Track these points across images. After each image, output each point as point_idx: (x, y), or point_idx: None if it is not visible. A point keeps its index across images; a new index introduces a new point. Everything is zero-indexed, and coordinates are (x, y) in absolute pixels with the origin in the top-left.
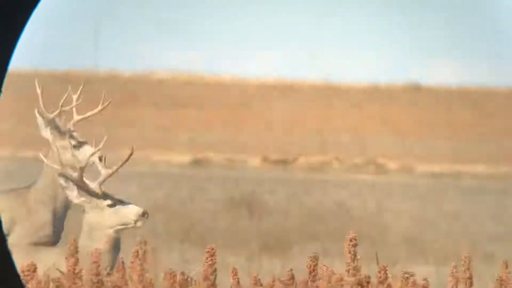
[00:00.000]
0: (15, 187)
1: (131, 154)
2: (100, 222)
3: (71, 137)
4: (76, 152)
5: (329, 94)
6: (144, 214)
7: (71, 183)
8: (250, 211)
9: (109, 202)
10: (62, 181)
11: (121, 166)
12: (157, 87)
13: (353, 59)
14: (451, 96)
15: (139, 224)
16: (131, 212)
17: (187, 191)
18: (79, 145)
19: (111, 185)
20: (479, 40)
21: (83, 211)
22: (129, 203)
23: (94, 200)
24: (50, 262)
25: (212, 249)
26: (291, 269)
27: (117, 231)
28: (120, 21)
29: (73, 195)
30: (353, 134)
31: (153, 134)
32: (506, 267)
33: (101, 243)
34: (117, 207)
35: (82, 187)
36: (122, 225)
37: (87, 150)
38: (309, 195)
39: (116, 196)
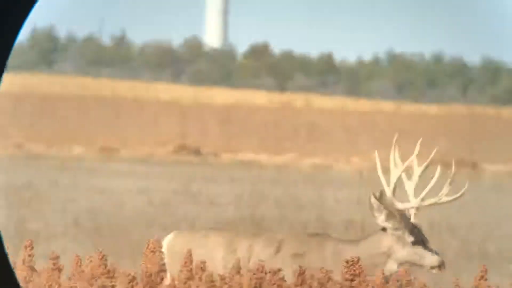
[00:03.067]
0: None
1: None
2: (394, 249)
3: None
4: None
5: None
6: (440, 266)
7: (381, 206)
8: None
9: (413, 239)
10: (373, 201)
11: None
12: None
13: None
14: None
15: (434, 271)
16: (431, 258)
17: None
18: None
19: None
20: None
21: (382, 229)
22: (431, 249)
23: (401, 230)
24: None
25: None
26: None
27: (401, 265)
28: None
29: (380, 218)
30: None
31: None
32: None
33: (379, 267)
34: (419, 247)
35: (392, 214)
36: (411, 262)
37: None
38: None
39: (423, 236)
